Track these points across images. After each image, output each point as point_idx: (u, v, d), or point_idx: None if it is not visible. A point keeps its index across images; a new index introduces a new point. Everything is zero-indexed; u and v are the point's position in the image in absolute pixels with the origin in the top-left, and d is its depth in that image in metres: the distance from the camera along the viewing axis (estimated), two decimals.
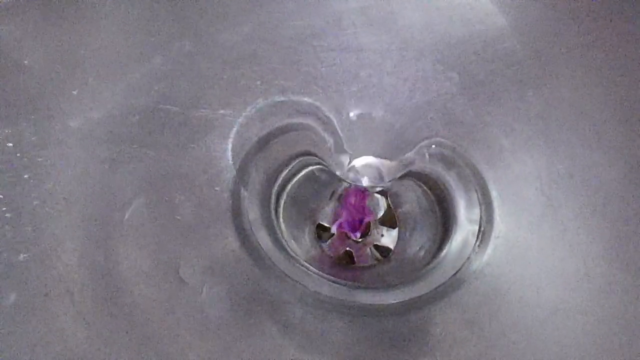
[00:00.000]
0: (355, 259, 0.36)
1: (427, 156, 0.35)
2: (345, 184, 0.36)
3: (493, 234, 0.33)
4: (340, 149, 0.35)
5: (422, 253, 0.35)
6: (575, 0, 0.36)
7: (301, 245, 0.36)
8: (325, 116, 0.35)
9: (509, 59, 0.36)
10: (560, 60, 0.36)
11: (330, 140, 0.35)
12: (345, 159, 0.35)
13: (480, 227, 0.33)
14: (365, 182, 0.34)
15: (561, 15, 0.36)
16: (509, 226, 0.33)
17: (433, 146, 0.35)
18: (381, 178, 0.34)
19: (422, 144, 0.35)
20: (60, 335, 0.30)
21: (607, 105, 0.34)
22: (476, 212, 0.34)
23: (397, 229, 0.36)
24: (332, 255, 0.36)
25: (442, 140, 0.35)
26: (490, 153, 0.35)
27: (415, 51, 0.37)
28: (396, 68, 0.37)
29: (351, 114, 0.36)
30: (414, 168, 0.35)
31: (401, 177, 0.35)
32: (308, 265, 0.34)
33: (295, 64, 0.36)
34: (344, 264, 0.36)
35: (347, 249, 0.36)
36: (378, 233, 0.37)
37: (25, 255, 0.31)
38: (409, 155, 0.35)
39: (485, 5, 0.36)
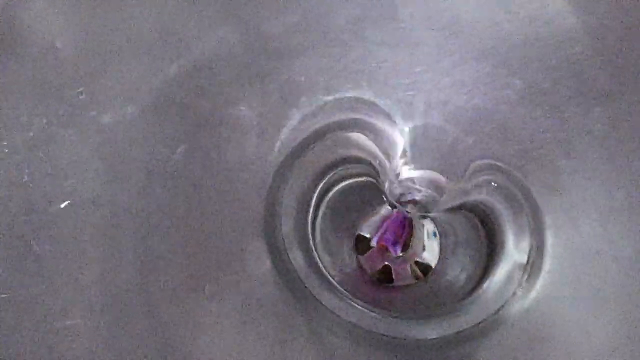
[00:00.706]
0: (393, 276, 0.34)
1: (485, 191, 0.32)
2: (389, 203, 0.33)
3: (543, 268, 0.31)
4: (387, 158, 0.32)
5: (463, 276, 0.33)
6: None
7: (337, 258, 0.34)
8: (374, 120, 0.32)
9: (577, 67, 0.32)
10: (635, 74, 0.32)
11: (378, 148, 0.32)
12: (392, 170, 0.32)
13: (529, 259, 0.31)
14: (411, 209, 0.31)
15: None
16: (561, 260, 0.31)
17: (494, 184, 0.32)
18: (428, 208, 0.31)
19: (482, 179, 0.32)
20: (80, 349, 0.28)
21: None
22: (526, 241, 0.31)
23: (439, 246, 0.34)
24: (369, 270, 0.34)
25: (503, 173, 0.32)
26: (546, 174, 0.32)
27: (476, 51, 0.33)
28: (454, 68, 0.33)
29: (402, 119, 0.33)
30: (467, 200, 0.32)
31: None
32: (342, 290, 0.31)
33: (343, 59, 0.33)
34: (381, 281, 0.34)
35: (386, 264, 0.34)
36: (419, 245, 0.34)
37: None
38: (464, 186, 0.32)
39: (556, 4, 0.32)
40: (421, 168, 0.32)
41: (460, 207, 0.33)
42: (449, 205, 0.32)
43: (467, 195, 0.32)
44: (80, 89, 0.32)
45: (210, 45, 0.33)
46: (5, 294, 0.30)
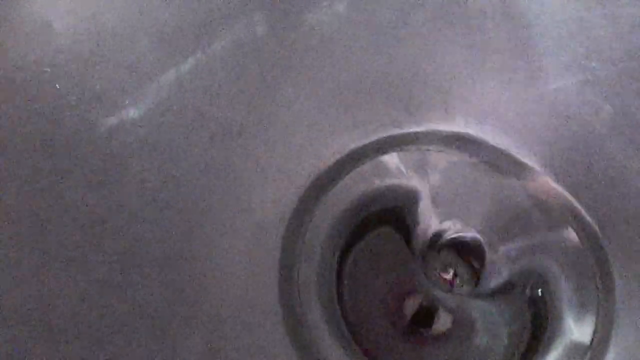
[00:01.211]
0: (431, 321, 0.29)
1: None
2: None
3: (610, 352, 0.25)
4: (430, 212, 0.27)
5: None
6: None
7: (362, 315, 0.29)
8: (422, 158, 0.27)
9: None
10: None
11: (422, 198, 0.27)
12: (431, 229, 0.27)
13: (592, 340, 0.25)
14: (448, 278, 0.26)
15: None
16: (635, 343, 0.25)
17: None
18: (472, 283, 0.26)
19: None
20: None
21: None
22: (588, 325, 0.25)
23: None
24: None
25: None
26: (631, 233, 0.26)
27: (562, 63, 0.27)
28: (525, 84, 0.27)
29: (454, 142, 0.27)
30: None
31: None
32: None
33: (399, 62, 0.27)
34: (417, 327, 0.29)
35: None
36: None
37: None
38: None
39: None
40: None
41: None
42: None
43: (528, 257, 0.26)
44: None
45: (236, 36, 0.28)
46: None
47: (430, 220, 0.27)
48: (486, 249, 0.26)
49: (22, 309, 0.25)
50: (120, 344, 0.25)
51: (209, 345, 0.26)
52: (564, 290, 0.26)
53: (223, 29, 0.27)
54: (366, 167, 0.27)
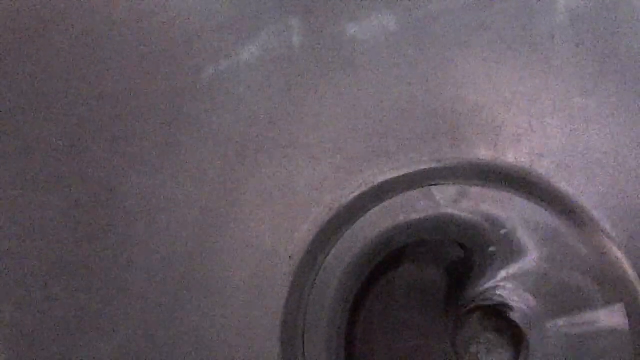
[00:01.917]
0: None
1: None
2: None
3: None
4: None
5: None
6: None
7: None
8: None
9: None
10: None
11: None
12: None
13: None
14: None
15: None
16: None
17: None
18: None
19: None
20: None
21: None
22: None
23: None
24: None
25: None
26: None
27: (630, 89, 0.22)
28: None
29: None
30: None
31: None
32: None
33: (449, 89, 0.23)
34: None
35: None
36: None
37: None
38: None
39: None
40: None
41: None
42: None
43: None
44: None
45: (265, 46, 0.24)
46: None
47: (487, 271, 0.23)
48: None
49: None
50: None
51: None
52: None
53: (252, 33, 0.24)
54: (395, 201, 0.23)
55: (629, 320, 0.21)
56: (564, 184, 0.23)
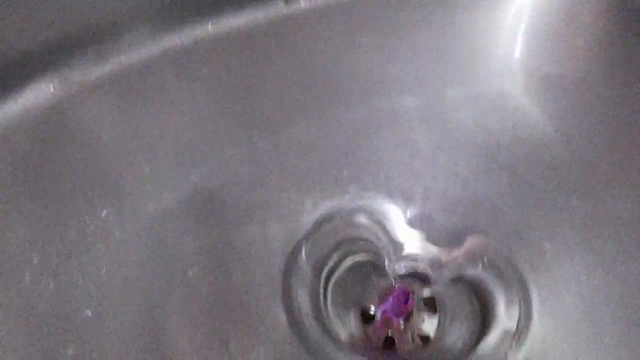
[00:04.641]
0: (396, 344, 0.38)
1: (480, 266, 0.37)
2: (391, 279, 0.38)
3: (530, 335, 0.35)
4: (389, 241, 0.37)
5: (460, 344, 0.37)
6: (627, 114, 0.38)
7: (346, 327, 0.38)
8: (378, 206, 0.38)
9: (557, 165, 0.38)
10: (606, 170, 0.37)
11: (380, 231, 0.37)
12: (393, 252, 0.37)
13: (518, 326, 0.35)
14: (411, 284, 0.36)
15: (610, 127, 0.38)
16: (546, 328, 0.35)
17: (485, 259, 0.37)
18: (429, 280, 0.36)
19: (476, 254, 0.37)
20: None
21: None
22: (515, 311, 0.35)
23: (437, 316, 0.38)
24: (374, 338, 0.38)
25: (495, 252, 0.37)
26: (533, 255, 0.37)
27: (468, 149, 0.39)
28: (449, 164, 0.39)
29: (402, 204, 0.38)
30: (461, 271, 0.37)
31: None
32: (350, 350, 0.36)
33: (351, 155, 0.39)
34: (386, 349, 0.38)
35: (390, 334, 0.39)
36: (419, 319, 0.39)
37: (88, 312, 0.34)
38: (461, 261, 0.37)
39: (536, 111, 0.38)
40: (420, 245, 0.37)
41: (457, 281, 0.37)
42: (447, 279, 0.37)
43: (463, 269, 0.37)
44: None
45: (238, 144, 0.39)
46: None
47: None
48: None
49: None
50: None
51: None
52: (497, 295, 0.37)
53: (228, 136, 0.39)
54: (337, 223, 0.38)
55: None
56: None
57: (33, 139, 0.37)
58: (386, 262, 0.37)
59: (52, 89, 0.37)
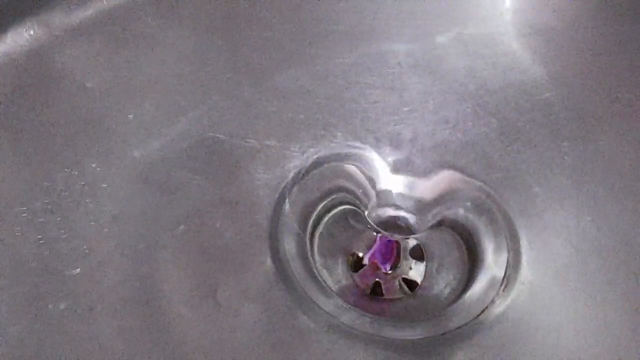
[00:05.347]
0: (383, 291, 0.38)
1: (462, 211, 0.36)
2: (374, 226, 0.38)
3: (518, 280, 0.35)
4: (372, 186, 0.37)
5: (447, 290, 0.37)
6: (616, 58, 0.37)
7: (333, 274, 0.38)
8: (363, 152, 0.37)
9: (547, 110, 0.37)
10: (596, 115, 0.37)
11: (364, 177, 0.37)
12: (379, 198, 0.37)
13: (506, 272, 0.35)
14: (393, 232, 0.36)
15: (600, 71, 0.37)
16: (534, 273, 0.35)
17: (468, 203, 0.36)
18: (411, 229, 0.36)
19: (459, 196, 0.36)
20: (101, 348, 0.32)
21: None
22: (503, 257, 0.35)
23: (425, 263, 0.38)
24: (362, 285, 0.38)
25: (484, 198, 0.36)
26: (522, 200, 0.36)
27: (457, 94, 0.38)
28: (438, 109, 0.38)
29: (389, 151, 0.37)
30: (446, 217, 0.37)
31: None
32: (338, 297, 0.36)
33: (339, 100, 0.38)
34: (373, 295, 0.38)
35: (377, 280, 0.38)
36: (407, 265, 0.38)
37: (76, 270, 0.33)
38: (443, 207, 0.36)
39: (526, 57, 0.37)
40: (404, 191, 0.37)
41: (439, 225, 0.37)
42: (429, 225, 0.37)
43: (448, 213, 0.36)
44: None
45: (224, 88, 0.39)
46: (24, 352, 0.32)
47: None
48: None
49: None
50: None
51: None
52: (485, 241, 0.37)
53: (214, 80, 0.38)
54: (325, 170, 0.38)
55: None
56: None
57: (13, 85, 0.36)
58: (367, 210, 0.36)
59: (32, 33, 0.36)
